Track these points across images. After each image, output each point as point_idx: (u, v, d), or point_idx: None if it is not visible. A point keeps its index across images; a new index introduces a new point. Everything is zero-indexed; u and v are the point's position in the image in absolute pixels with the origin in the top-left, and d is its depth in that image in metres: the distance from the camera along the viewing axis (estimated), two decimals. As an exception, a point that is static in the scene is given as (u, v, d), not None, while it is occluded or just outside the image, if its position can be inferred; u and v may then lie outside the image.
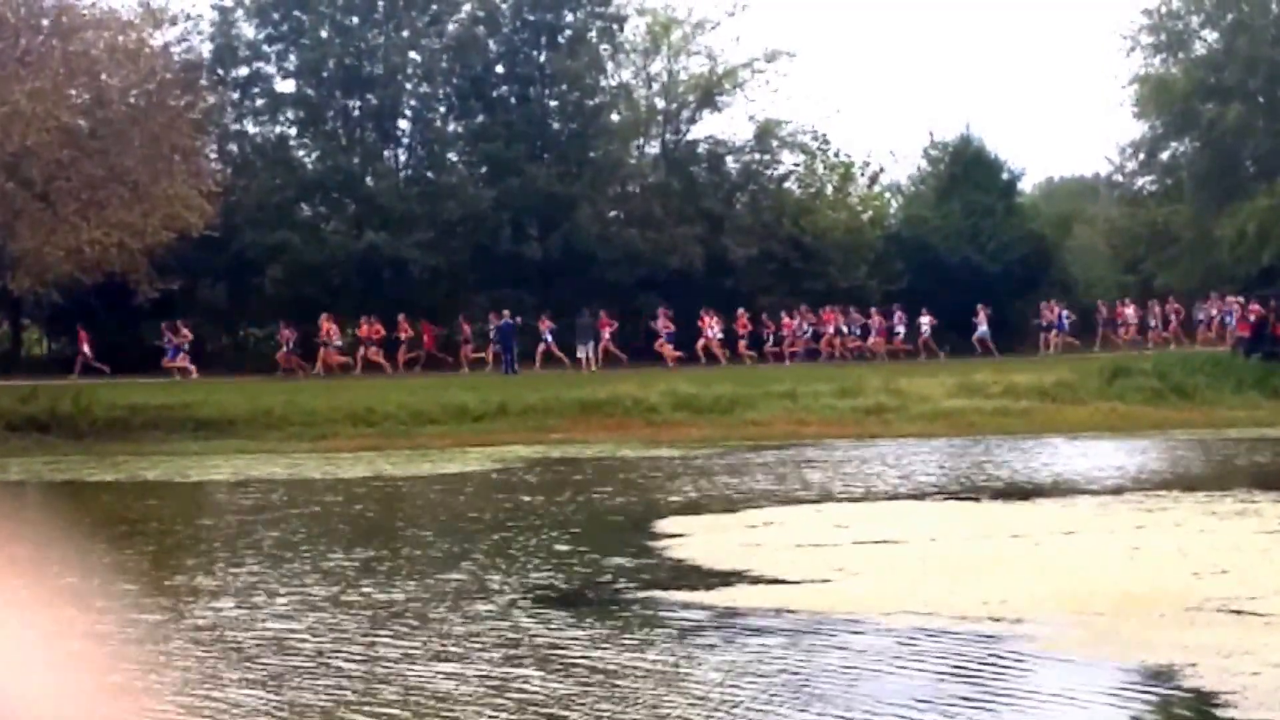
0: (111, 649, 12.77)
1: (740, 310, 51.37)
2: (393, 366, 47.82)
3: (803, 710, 10.35)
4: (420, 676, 11.49)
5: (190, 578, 16.70)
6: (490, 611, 14.17)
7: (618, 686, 11.07)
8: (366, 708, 10.57)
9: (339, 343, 48.30)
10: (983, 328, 52.91)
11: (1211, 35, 60.97)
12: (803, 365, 48.56)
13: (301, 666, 11.91)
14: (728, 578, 15.66)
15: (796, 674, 11.36)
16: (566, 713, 10.41)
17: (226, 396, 38.66)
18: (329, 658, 12.23)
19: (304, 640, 12.94)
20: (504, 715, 10.38)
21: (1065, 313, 53.79)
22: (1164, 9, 60.95)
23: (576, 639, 12.82)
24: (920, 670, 11.50)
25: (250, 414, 36.33)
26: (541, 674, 11.49)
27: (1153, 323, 54.92)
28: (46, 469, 30.95)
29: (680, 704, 10.54)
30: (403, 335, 48.76)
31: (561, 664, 11.83)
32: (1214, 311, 54.16)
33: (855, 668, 11.57)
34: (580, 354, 48.47)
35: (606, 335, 49.28)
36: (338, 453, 32.89)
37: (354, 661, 12.06)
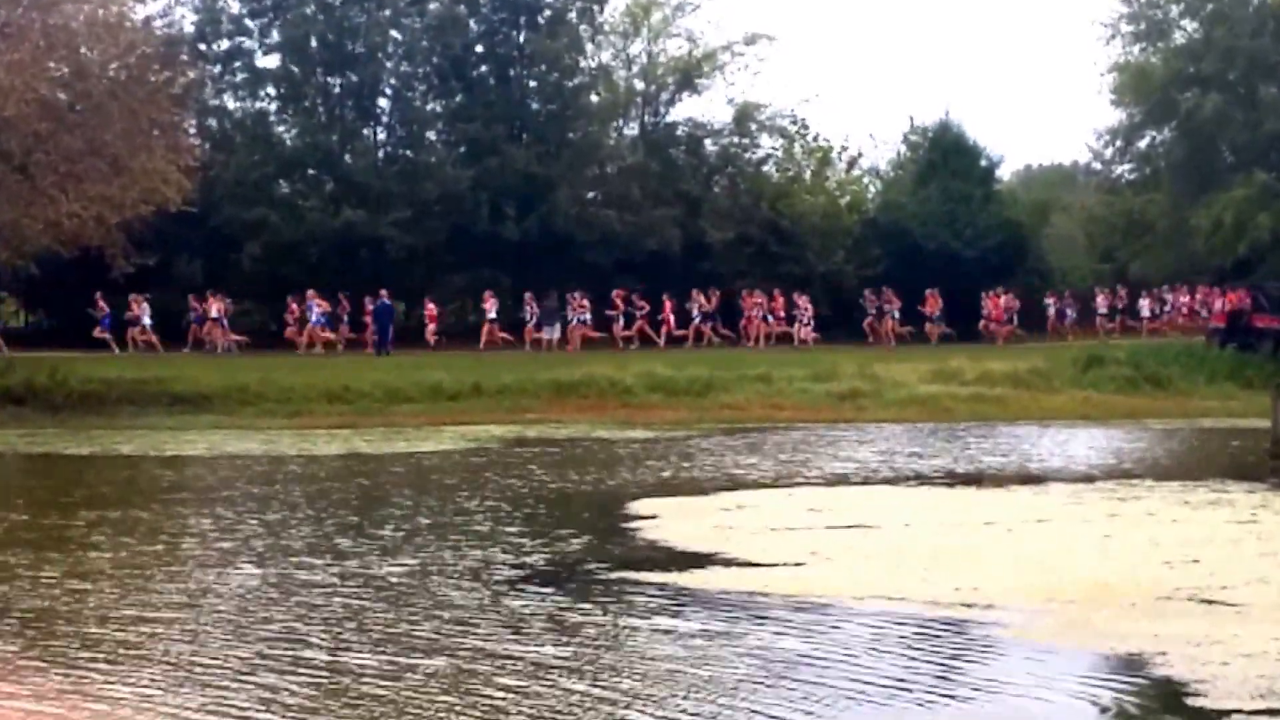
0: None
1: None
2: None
3: (774, 693, 10.42)
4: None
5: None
6: (464, 591, 14.22)
7: (588, 667, 11.14)
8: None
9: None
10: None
11: (1191, 25, 61.09)
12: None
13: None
14: (701, 560, 15.74)
15: (768, 657, 11.43)
16: (537, 688, 10.44)
17: (201, 372, 38.57)
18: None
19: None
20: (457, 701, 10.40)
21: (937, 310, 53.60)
22: (1144, -2, 61.10)
23: (541, 616, 12.90)
24: (891, 656, 11.61)
25: (225, 389, 36.25)
26: (505, 656, 11.50)
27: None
28: (22, 441, 30.90)
29: (651, 686, 10.62)
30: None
31: (532, 642, 11.89)
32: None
33: (826, 652, 11.64)
34: (545, 335, 48.59)
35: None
36: (313, 430, 32.88)
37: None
